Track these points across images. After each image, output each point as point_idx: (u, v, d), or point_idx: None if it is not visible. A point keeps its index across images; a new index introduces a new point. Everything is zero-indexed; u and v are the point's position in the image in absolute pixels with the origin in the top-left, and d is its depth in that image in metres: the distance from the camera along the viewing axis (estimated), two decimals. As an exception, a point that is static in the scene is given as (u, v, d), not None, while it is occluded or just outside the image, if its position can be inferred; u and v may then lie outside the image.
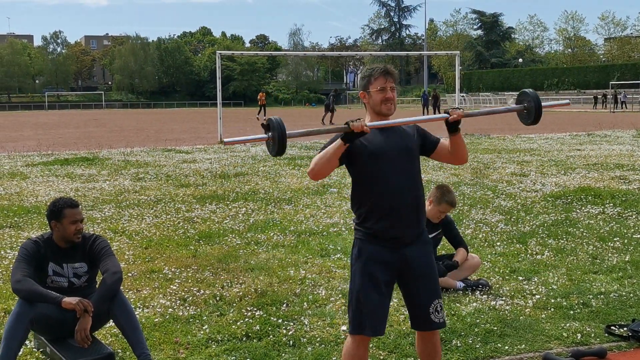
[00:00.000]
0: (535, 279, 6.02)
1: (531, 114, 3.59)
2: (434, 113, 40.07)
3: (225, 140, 3.36)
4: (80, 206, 4.48)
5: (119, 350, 4.50)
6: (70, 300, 4.01)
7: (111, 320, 4.41)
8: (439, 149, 3.58)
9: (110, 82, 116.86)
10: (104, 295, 4.18)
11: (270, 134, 3.24)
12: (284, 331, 4.81)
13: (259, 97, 45.34)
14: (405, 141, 3.47)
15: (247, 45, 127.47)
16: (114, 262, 4.36)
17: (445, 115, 3.41)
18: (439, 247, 6.26)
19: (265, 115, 41.71)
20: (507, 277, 6.12)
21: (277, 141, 3.19)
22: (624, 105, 54.58)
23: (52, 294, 4.05)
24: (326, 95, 41.52)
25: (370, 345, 4.52)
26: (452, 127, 3.44)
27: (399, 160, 3.42)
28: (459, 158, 3.60)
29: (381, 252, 3.42)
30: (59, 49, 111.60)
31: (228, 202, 10.11)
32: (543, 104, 3.57)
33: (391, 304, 5.16)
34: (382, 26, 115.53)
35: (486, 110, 3.99)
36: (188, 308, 5.34)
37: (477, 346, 4.53)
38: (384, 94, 3.43)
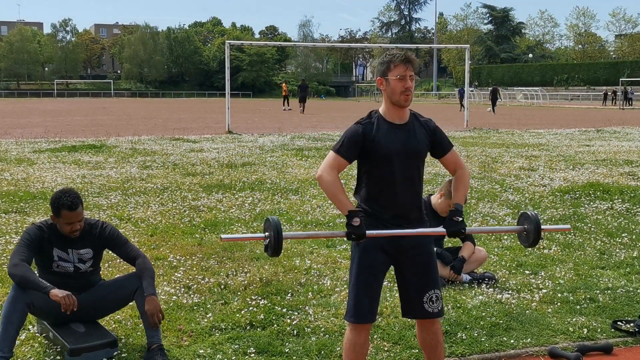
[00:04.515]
0: (542, 273, 5.98)
1: (530, 237, 3.55)
2: (492, 107, 40.74)
3: (223, 236, 3.37)
4: (80, 205, 4.29)
5: (122, 337, 4.49)
6: (57, 293, 3.93)
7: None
8: (445, 161, 3.53)
9: (119, 71, 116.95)
10: (153, 279, 4.28)
11: (266, 233, 3.24)
12: (288, 321, 4.78)
13: (283, 87, 47.20)
14: (415, 143, 3.40)
15: (257, 36, 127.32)
16: (135, 247, 4.49)
17: (443, 230, 3.42)
18: (445, 239, 6.23)
19: (288, 106, 42.57)
20: (513, 271, 6.08)
21: (273, 242, 3.18)
22: (630, 102, 54.35)
23: (43, 283, 3.99)
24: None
25: (375, 336, 4.51)
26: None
27: (406, 161, 3.38)
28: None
29: (379, 239, 3.39)
30: (68, 37, 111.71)
31: (234, 192, 10.09)
32: (542, 227, 3.53)
33: (397, 295, 5.15)
34: (392, 19, 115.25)
35: (488, 228, 4.01)
36: (192, 296, 5.32)
37: (483, 339, 4.49)
38: (403, 83, 3.31)
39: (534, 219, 3.52)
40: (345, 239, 3.25)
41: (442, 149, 3.50)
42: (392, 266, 3.54)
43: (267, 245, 3.24)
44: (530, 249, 6.57)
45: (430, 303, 3.48)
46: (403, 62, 3.33)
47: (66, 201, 4.22)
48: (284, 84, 47.63)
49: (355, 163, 3.51)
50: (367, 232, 3.25)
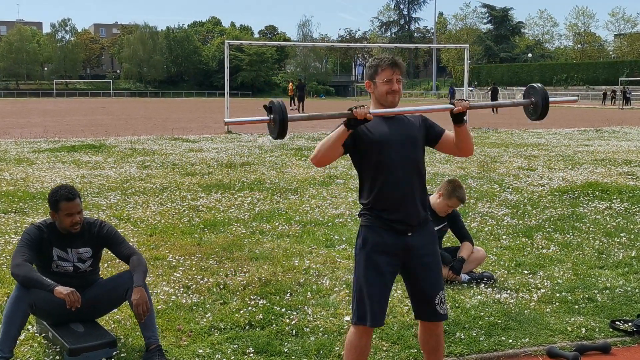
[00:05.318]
0: (541, 273, 5.98)
1: (537, 109, 3.53)
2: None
3: (226, 120, 3.33)
4: (78, 198, 4.34)
5: (121, 337, 4.49)
6: (61, 290, 3.94)
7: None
8: (444, 140, 3.54)
9: (118, 71, 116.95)
10: (144, 274, 4.29)
11: (271, 116, 3.21)
12: (287, 320, 4.78)
13: (289, 87, 47.71)
14: (409, 130, 3.45)
15: (256, 35, 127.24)
16: (131, 246, 4.53)
17: (450, 106, 3.38)
18: (444, 239, 6.25)
19: (294, 105, 42.89)
20: (512, 271, 6.09)
21: (278, 124, 3.16)
22: (628, 102, 54.37)
23: (47, 281, 4.01)
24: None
25: (374, 336, 4.49)
26: (457, 118, 3.41)
27: (403, 149, 3.40)
28: (464, 150, 3.54)
29: (385, 241, 3.38)
30: (67, 37, 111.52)
31: (234, 192, 10.10)
32: (550, 99, 3.50)
33: (395, 295, 5.17)
34: (392, 19, 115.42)
35: (492, 102, 3.94)
36: (191, 296, 5.32)
37: (481, 339, 4.50)
38: (389, 86, 3.41)
39: (541, 90, 3.51)
40: (347, 120, 3.20)
41: (435, 132, 3.53)
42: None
43: (271, 127, 3.21)
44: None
45: (441, 304, 3.49)
46: (390, 66, 3.42)
47: (64, 192, 4.29)
48: (290, 84, 47.94)
49: (352, 165, 3.52)
50: (371, 111, 3.21)
